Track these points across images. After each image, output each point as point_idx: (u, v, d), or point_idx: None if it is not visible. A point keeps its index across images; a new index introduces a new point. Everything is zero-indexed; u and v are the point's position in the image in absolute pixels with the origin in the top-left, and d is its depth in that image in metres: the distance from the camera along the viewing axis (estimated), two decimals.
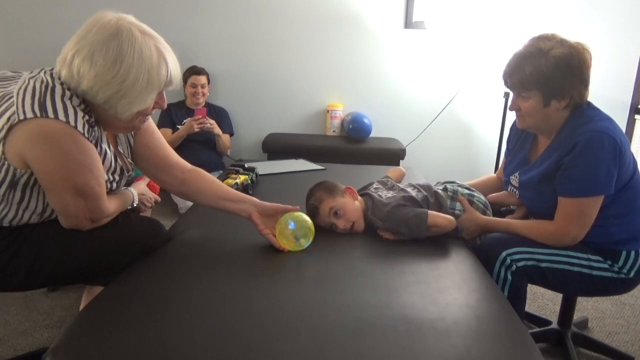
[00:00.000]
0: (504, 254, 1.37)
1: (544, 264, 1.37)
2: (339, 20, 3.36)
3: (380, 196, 1.52)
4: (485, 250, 1.43)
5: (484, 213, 1.56)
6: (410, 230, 1.39)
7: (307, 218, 1.36)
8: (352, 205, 1.48)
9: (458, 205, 1.53)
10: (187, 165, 1.46)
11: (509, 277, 1.37)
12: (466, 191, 1.58)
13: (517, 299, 1.38)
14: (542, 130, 1.49)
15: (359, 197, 1.54)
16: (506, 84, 1.45)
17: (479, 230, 1.52)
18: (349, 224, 1.45)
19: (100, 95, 1.11)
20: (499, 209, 1.68)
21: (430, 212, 1.42)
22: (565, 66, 1.34)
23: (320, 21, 3.37)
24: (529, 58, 1.37)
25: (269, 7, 3.36)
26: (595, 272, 1.38)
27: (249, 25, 3.39)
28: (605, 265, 1.39)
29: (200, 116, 2.98)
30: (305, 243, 1.35)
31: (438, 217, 1.41)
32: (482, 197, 1.60)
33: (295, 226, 1.33)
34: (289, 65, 3.47)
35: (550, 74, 1.34)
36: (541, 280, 1.40)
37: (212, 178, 1.48)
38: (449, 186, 1.60)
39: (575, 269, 1.38)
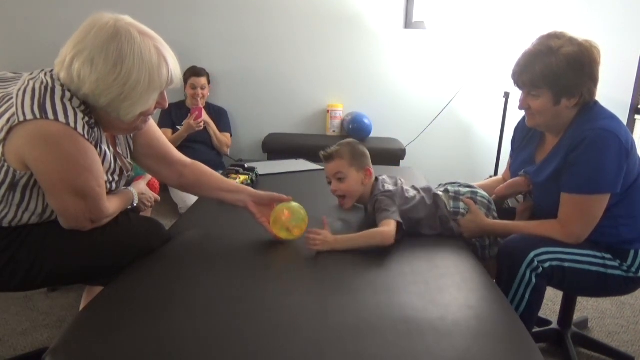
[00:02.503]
0: (531, 255, 1.34)
1: (567, 264, 1.35)
2: (339, 20, 3.36)
3: (384, 187, 1.52)
4: (510, 253, 1.38)
5: (488, 209, 1.55)
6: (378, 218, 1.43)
7: (302, 209, 1.40)
8: (356, 185, 1.52)
9: (462, 205, 1.53)
10: (187, 160, 1.50)
11: (533, 279, 1.33)
12: (467, 189, 1.58)
13: (537, 303, 1.36)
14: (551, 128, 1.48)
15: (371, 181, 1.54)
16: (516, 83, 1.45)
17: (480, 232, 1.52)
18: (340, 192, 1.52)
19: (102, 99, 1.11)
20: (502, 207, 1.68)
21: (390, 221, 1.38)
22: (576, 64, 1.34)
23: (320, 21, 3.36)
24: (539, 56, 1.37)
25: (269, 7, 3.36)
26: (609, 272, 1.38)
27: (249, 25, 3.39)
28: (616, 264, 1.39)
29: (197, 114, 2.98)
30: (298, 233, 1.38)
31: (385, 228, 1.36)
32: (484, 193, 1.59)
33: (289, 216, 1.38)
34: (289, 65, 3.47)
35: (561, 72, 1.34)
36: (560, 282, 1.38)
37: (210, 171, 1.53)
38: (450, 187, 1.60)
39: (594, 268, 1.37)
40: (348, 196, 1.53)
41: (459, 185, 1.61)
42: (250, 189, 1.50)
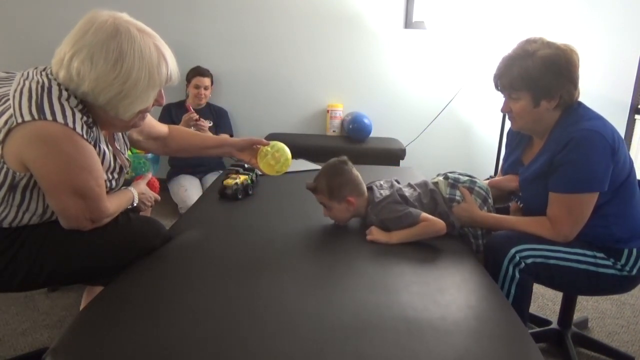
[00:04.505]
0: (512, 250, 1.37)
1: (552, 261, 1.36)
2: (339, 20, 3.36)
3: (380, 194, 1.52)
4: (493, 248, 1.42)
5: (485, 200, 1.56)
6: (400, 226, 1.42)
7: (285, 148, 1.59)
8: (341, 213, 1.52)
9: (458, 193, 1.54)
10: (166, 129, 1.62)
11: (517, 274, 1.36)
12: (466, 178, 1.59)
13: (523, 298, 1.38)
14: (535, 131, 1.51)
15: (358, 204, 1.52)
16: (497, 86, 1.49)
17: (471, 222, 1.53)
18: (329, 217, 1.54)
19: (101, 97, 1.11)
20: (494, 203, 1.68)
21: (423, 213, 1.43)
22: (552, 66, 1.37)
23: (320, 21, 3.37)
24: (516, 60, 1.41)
25: (269, 7, 3.36)
26: (601, 270, 1.38)
27: (249, 26, 3.39)
28: (609, 263, 1.39)
29: (194, 112, 2.96)
30: (283, 168, 1.58)
31: (430, 218, 1.43)
32: (483, 184, 1.60)
33: (273, 153, 1.57)
34: (289, 66, 3.47)
35: (537, 74, 1.38)
36: (547, 278, 1.39)
37: (188, 133, 1.69)
38: (449, 174, 1.61)
39: (582, 266, 1.38)
40: (336, 220, 1.55)
41: (459, 174, 1.62)
42: (230, 139, 1.67)
